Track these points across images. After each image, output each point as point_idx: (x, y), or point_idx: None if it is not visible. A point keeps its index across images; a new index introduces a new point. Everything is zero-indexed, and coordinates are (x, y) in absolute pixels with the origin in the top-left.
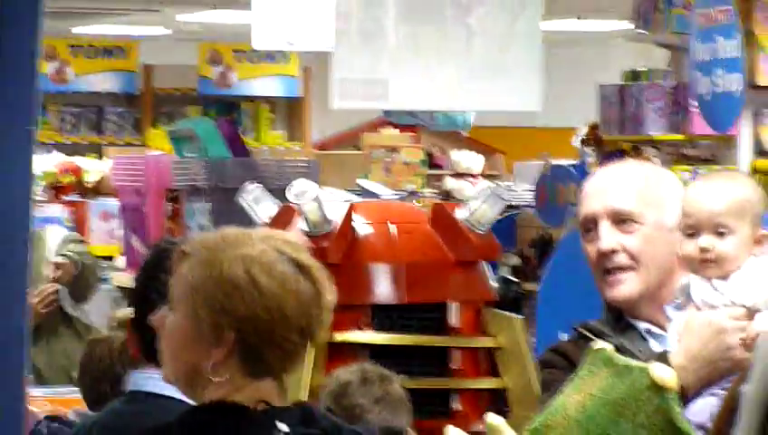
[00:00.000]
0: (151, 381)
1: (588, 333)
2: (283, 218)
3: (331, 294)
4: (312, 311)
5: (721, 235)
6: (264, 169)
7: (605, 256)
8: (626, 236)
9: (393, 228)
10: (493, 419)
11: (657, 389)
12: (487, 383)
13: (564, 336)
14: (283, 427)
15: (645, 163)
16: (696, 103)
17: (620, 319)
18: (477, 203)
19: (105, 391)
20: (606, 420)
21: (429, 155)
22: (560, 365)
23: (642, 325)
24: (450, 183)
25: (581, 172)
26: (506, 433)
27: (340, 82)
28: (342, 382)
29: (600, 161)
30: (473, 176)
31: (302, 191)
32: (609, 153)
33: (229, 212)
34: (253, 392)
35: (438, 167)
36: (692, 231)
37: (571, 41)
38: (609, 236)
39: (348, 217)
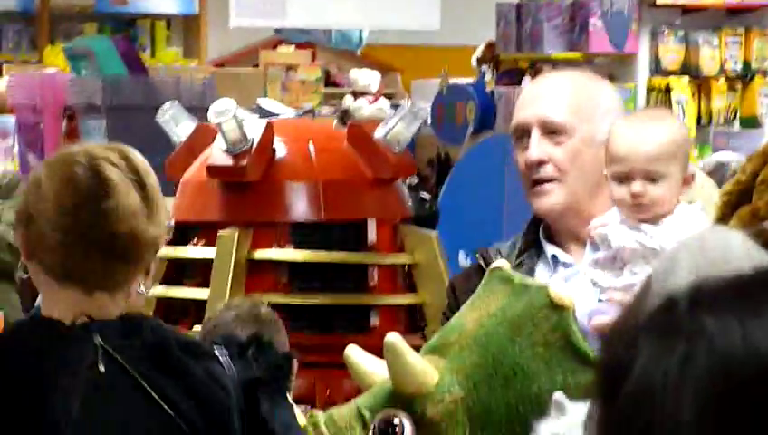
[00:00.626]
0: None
1: (480, 260)
2: (200, 137)
3: (161, 213)
4: (130, 222)
5: (653, 180)
6: (160, 87)
7: (533, 166)
8: (555, 147)
9: (311, 147)
10: (390, 337)
11: (555, 307)
12: (404, 299)
13: (463, 256)
14: (97, 339)
15: (585, 74)
16: (594, 21)
17: (531, 242)
18: (393, 122)
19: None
20: (503, 337)
21: (327, 73)
22: (458, 292)
23: (551, 249)
24: (348, 101)
25: (479, 91)
26: (404, 351)
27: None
28: (217, 318)
29: (497, 80)
30: (371, 94)
31: (222, 110)
32: (506, 72)
33: (126, 130)
34: (73, 305)
35: (336, 85)
36: (623, 176)
37: None
38: (537, 147)
39: (266, 136)
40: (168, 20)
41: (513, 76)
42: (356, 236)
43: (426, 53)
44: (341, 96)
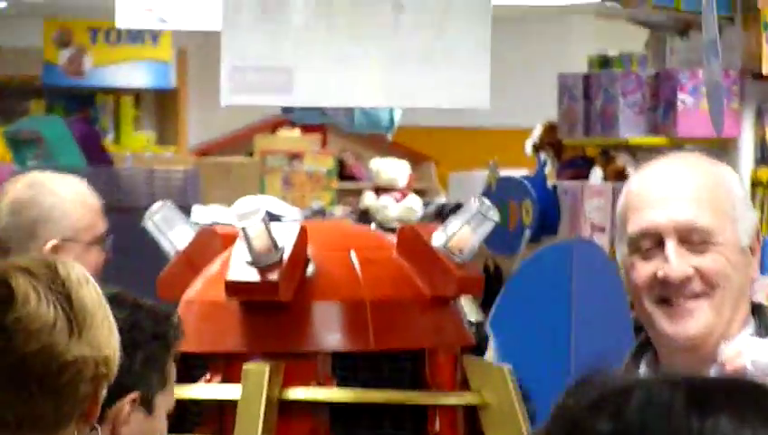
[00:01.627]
0: None
1: None
2: (203, 245)
3: (101, 333)
4: (42, 339)
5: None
6: (128, 182)
7: (670, 284)
8: (699, 257)
9: (353, 257)
10: None
11: None
12: None
13: None
14: None
15: (702, 158)
16: (683, 97)
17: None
18: (457, 225)
19: None
20: None
21: (340, 163)
22: None
23: None
24: (369, 199)
25: (538, 186)
26: None
27: (231, 72)
28: None
29: (559, 171)
30: (397, 190)
31: (249, 212)
32: (571, 160)
33: None
34: None
35: (353, 178)
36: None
37: (524, 18)
38: (680, 260)
39: (300, 244)
40: (137, 95)
41: (579, 166)
42: (413, 370)
43: (466, 137)
44: (359, 192)
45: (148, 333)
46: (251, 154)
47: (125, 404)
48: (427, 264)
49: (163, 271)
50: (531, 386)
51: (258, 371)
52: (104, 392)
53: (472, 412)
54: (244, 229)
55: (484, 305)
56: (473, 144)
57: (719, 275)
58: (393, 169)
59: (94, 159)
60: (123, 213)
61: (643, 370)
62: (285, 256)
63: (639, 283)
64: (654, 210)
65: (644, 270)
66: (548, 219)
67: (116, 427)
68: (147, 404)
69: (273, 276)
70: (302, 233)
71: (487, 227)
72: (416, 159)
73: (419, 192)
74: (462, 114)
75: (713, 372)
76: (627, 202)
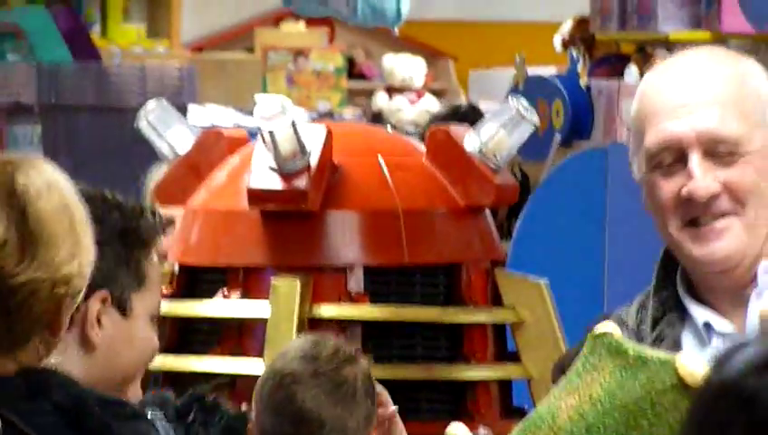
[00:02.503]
0: None
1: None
2: (206, 149)
3: (59, 249)
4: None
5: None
6: (119, 80)
7: (699, 202)
8: (727, 170)
9: (382, 163)
10: (455, 429)
11: (687, 389)
12: (507, 371)
13: None
14: None
15: (728, 53)
16: None
17: (670, 302)
18: (492, 128)
19: None
20: (613, 431)
21: (350, 60)
22: None
23: (701, 313)
24: (381, 100)
25: (571, 85)
26: None
27: None
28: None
29: (591, 70)
30: (412, 90)
31: (275, 111)
32: (604, 58)
33: (70, 139)
34: None
35: (364, 77)
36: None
37: None
38: (705, 175)
39: (327, 148)
40: None
41: (613, 64)
42: (447, 285)
43: (489, 31)
44: (371, 93)
45: (117, 229)
46: (251, 50)
47: (93, 303)
48: (462, 171)
49: (161, 176)
50: (559, 303)
51: (289, 286)
52: (72, 305)
53: (501, 330)
54: (270, 132)
55: (510, 216)
56: (495, 39)
57: (750, 189)
58: (408, 67)
59: (81, 55)
60: (113, 113)
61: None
62: (313, 162)
63: (663, 203)
64: (674, 120)
65: (667, 189)
66: (580, 122)
67: (85, 329)
68: (120, 305)
69: (302, 184)
70: (329, 136)
71: (525, 130)
72: (432, 56)
73: (436, 92)
74: (483, 6)
75: (753, 295)
76: (642, 108)
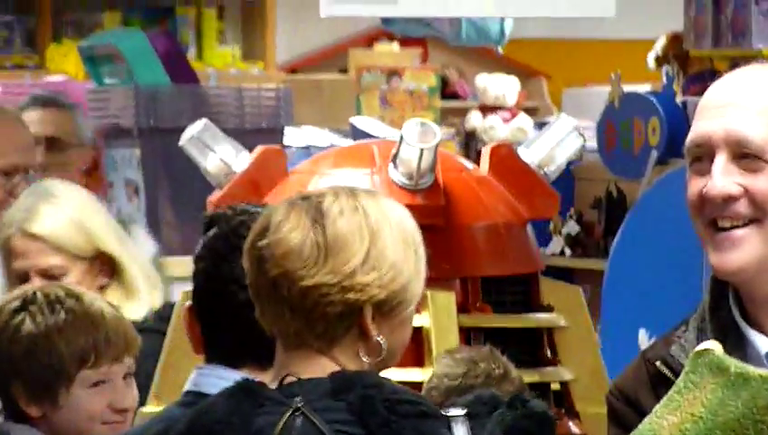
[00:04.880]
0: (213, 380)
1: (664, 369)
2: (267, 166)
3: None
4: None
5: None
6: (216, 102)
7: (715, 202)
8: (750, 176)
9: (468, 179)
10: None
11: None
12: (551, 376)
13: (644, 336)
14: (296, 401)
15: None
16: None
17: (725, 325)
18: (550, 141)
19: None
20: None
21: (443, 80)
22: (628, 417)
23: (761, 341)
24: (475, 119)
25: (666, 103)
26: None
27: None
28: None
29: (684, 87)
30: (506, 109)
31: (428, 131)
32: (698, 74)
33: (166, 160)
34: (279, 365)
35: (456, 96)
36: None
37: None
38: (725, 175)
39: (437, 166)
40: (221, 7)
41: (706, 80)
42: (526, 292)
43: (582, 49)
44: (464, 112)
45: None
46: (345, 70)
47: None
48: (526, 185)
49: (220, 192)
50: (657, 321)
51: (446, 297)
52: (391, 314)
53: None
54: (421, 150)
55: (606, 234)
56: (589, 57)
57: None
58: (501, 86)
59: (179, 78)
60: None
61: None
62: (435, 179)
63: (690, 202)
64: (709, 119)
65: (694, 187)
66: (677, 139)
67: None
68: None
69: (440, 199)
70: (438, 153)
71: (578, 145)
72: (526, 75)
73: (530, 111)
74: (576, 24)
75: None
76: (695, 114)
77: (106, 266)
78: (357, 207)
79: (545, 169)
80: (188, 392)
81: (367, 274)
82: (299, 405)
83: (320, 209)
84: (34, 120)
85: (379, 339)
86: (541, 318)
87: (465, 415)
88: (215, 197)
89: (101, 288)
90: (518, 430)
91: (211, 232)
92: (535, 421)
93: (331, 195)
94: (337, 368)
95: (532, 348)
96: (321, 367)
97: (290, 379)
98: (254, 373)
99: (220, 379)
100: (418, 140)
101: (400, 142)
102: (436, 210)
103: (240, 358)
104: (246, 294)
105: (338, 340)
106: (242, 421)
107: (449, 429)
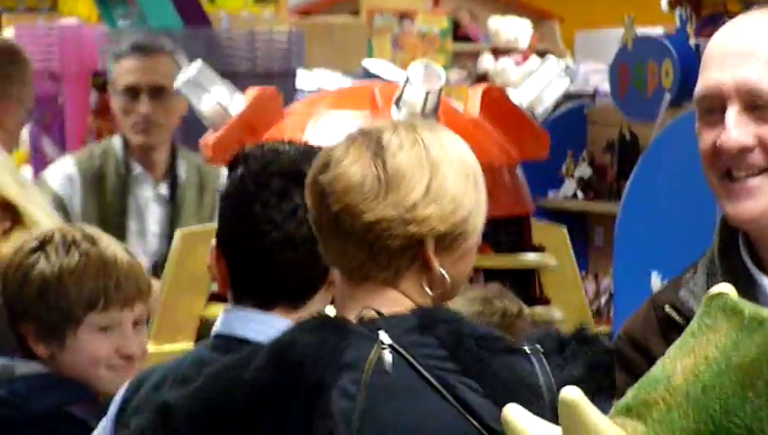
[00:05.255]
0: (246, 323)
1: (673, 313)
2: (263, 108)
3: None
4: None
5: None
6: (229, 45)
7: (730, 154)
8: (764, 126)
9: (464, 120)
10: (569, 392)
11: None
12: (549, 315)
13: (656, 279)
14: (384, 337)
15: None
16: None
17: (736, 269)
18: (538, 83)
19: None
20: (728, 392)
21: (455, 23)
22: (637, 363)
23: None
24: (487, 62)
25: (680, 45)
26: (589, 412)
27: None
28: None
29: (697, 29)
30: (518, 52)
31: (432, 73)
32: (711, 17)
33: None
34: (359, 301)
35: (469, 39)
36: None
37: None
38: (739, 127)
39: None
40: None
41: (720, 23)
42: (517, 234)
43: None
44: (476, 55)
45: None
46: (356, 13)
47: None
48: (517, 127)
49: (215, 134)
50: (669, 265)
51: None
52: (454, 247)
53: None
54: (427, 93)
55: (619, 177)
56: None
57: None
58: (513, 29)
59: (191, 20)
60: (224, 78)
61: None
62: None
63: (703, 154)
64: (719, 69)
65: (707, 139)
66: (690, 82)
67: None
68: None
69: None
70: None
71: (561, 88)
72: (538, 17)
73: (542, 54)
74: None
75: None
76: (702, 60)
77: (8, 212)
78: (416, 139)
79: (534, 111)
80: (219, 335)
81: (428, 206)
82: (388, 340)
83: (380, 143)
84: (134, 68)
85: (442, 271)
86: (534, 258)
87: (540, 351)
88: (210, 138)
89: (4, 233)
90: (600, 364)
91: (239, 170)
92: (611, 356)
93: (391, 129)
94: (406, 300)
95: (524, 287)
96: (391, 300)
97: (368, 313)
98: (286, 313)
99: (253, 322)
100: (423, 82)
101: (405, 84)
102: None
103: (271, 298)
104: (279, 233)
105: (402, 272)
106: (330, 356)
107: (532, 364)
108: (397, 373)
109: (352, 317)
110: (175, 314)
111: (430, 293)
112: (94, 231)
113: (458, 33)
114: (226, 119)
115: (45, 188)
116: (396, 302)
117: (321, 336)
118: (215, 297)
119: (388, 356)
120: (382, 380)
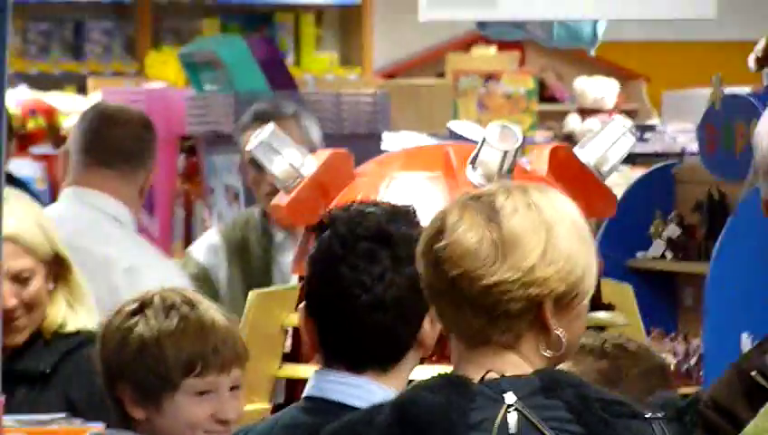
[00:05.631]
0: (339, 386)
1: (759, 379)
2: (335, 170)
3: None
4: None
5: None
6: (313, 107)
7: None
8: None
9: (535, 180)
10: None
11: None
12: (610, 319)
13: (747, 340)
14: (510, 398)
15: None
16: None
17: None
18: (605, 142)
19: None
20: None
21: (541, 83)
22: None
23: None
24: (573, 122)
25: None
26: None
27: None
28: None
29: None
30: (604, 112)
31: (509, 133)
32: None
33: None
34: (481, 363)
35: (554, 100)
36: None
37: None
38: None
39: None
40: (319, 13)
41: None
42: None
43: (681, 51)
44: (562, 115)
45: None
46: (442, 75)
47: (433, 314)
48: (584, 185)
49: (288, 196)
50: (758, 324)
51: None
52: (570, 307)
53: None
54: (505, 152)
55: (708, 237)
56: (688, 59)
57: None
58: (599, 89)
59: (277, 84)
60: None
61: None
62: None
63: None
64: None
65: None
66: None
67: (427, 339)
68: None
69: None
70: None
71: (627, 146)
72: (624, 77)
73: (629, 113)
74: (675, 26)
75: None
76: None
77: (55, 270)
78: (530, 203)
79: (600, 170)
80: (311, 398)
81: (546, 268)
82: (513, 402)
83: (493, 207)
84: None
85: (558, 333)
86: (605, 316)
87: (662, 417)
88: (283, 200)
89: (49, 293)
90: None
91: (325, 234)
92: None
93: (503, 192)
94: (525, 363)
95: None
96: (511, 363)
97: (492, 375)
98: (377, 377)
99: (346, 385)
100: (500, 142)
101: (482, 144)
102: None
103: (361, 361)
104: (368, 296)
105: (522, 335)
106: (458, 416)
107: (653, 431)
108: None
109: (475, 378)
110: (250, 375)
111: (548, 355)
112: (194, 295)
113: (544, 94)
114: (298, 180)
115: (191, 260)
116: (515, 365)
117: (446, 396)
118: (288, 357)
119: (513, 418)
120: None
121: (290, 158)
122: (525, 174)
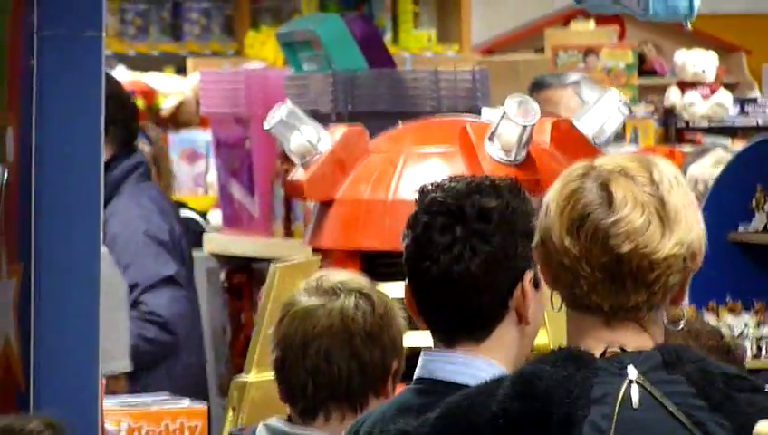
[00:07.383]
0: (446, 366)
1: None
2: (352, 145)
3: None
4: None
5: None
6: (413, 86)
7: None
8: None
9: (543, 152)
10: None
11: None
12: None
13: None
14: (632, 373)
15: None
16: None
17: None
18: (601, 115)
19: None
20: None
21: (641, 57)
22: None
23: None
24: (673, 96)
25: None
26: None
27: None
28: None
29: None
30: (705, 85)
31: (528, 107)
32: None
33: None
34: (598, 336)
35: (655, 73)
36: None
37: None
38: None
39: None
40: None
41: None
42: None
43: None
44: (663, 89)
45: (524, 212)
46: (541, 50)
47: (527, 285)
48: (585, 157)
49: (309, 171)
50: None
51: None
52: (689, 280)
53: None
54: (524, 127)
55: None
56: None
57: None
58: (700, 62)
59: (375, 62)
60: (406, 118)
61: None
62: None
63: None
64: None
65: None
66: None
67: (522, 310)
68: (536, 281)
69: (536, 173)
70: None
71: (619, 120)
72: (724, 50)
73: (729, 86)
74: None
75: None
76: None
77: None
78: (676, 176)
79: (596, 141)
80: (420, 379)
81: (697, 240)
82: (636, 377)
83: (653, 182)
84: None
85: (681, 307)
86: None
87: None
88: (300, 176)
89: None
90: None
91: (417, 209)
92: None
93: (651, 166)
94: (645, 335)
95: None
96: (635, 335)
97: (612, 349)
98: (469, 349)
99: (452, 364)
100: (519, 116)
101: (501, 118)
102: (533, 183)
103: (454, 333)
104: (459, 267)
105: (660, 308)
106: (580, 390)
107: None
108: (645, 409)
109: (596, 352)
110: (268, 345)
111: (670, 329)
112: None
113: (644, 68)
114: (315, 156)
115: None
116: (637, 337)
117: (567, 370)
118: None
119: (635, 392)
120: (631, 415)
121: (307, 134)
122: (537, 147)
